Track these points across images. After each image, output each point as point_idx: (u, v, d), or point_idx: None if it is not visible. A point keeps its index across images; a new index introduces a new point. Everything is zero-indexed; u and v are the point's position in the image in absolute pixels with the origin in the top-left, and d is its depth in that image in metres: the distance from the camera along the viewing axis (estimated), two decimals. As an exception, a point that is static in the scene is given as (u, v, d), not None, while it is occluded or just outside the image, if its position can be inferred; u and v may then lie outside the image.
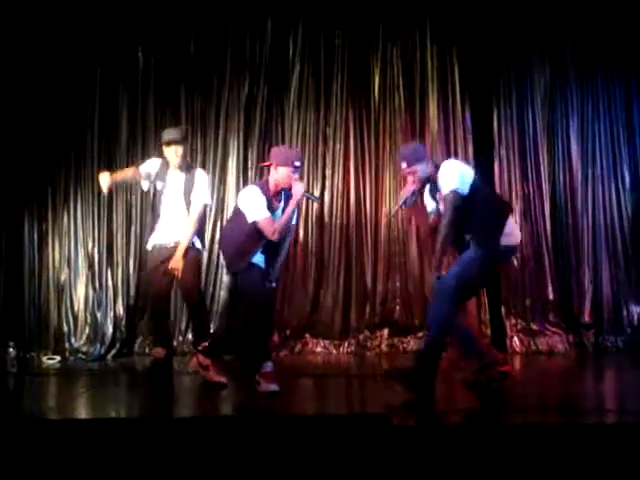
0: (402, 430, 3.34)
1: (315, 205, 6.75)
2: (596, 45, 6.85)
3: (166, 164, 5.31)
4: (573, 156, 6.82)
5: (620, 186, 6.76)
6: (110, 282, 6.71)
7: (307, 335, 6.71)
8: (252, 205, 4.58)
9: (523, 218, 6.71)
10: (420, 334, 6.59)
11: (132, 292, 6.70)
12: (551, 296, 6.61)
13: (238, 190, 6.70)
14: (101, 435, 3.36)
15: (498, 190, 6.74)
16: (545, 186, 6.77)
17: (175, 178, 5.27)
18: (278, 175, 4.63)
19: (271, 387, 4.43)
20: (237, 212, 4.70)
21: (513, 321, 6.60)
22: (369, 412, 4.02)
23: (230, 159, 6.82)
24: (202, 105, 6.87)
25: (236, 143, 6.80)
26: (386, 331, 6.69)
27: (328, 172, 6.87)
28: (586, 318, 6.62)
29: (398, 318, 6.73)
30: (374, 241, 6.80)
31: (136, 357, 6.56)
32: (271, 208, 4.61)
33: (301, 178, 6.59)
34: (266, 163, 4.86)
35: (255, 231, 4.55)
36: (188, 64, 6.87)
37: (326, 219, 6.84)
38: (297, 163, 4.66)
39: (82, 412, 4.47)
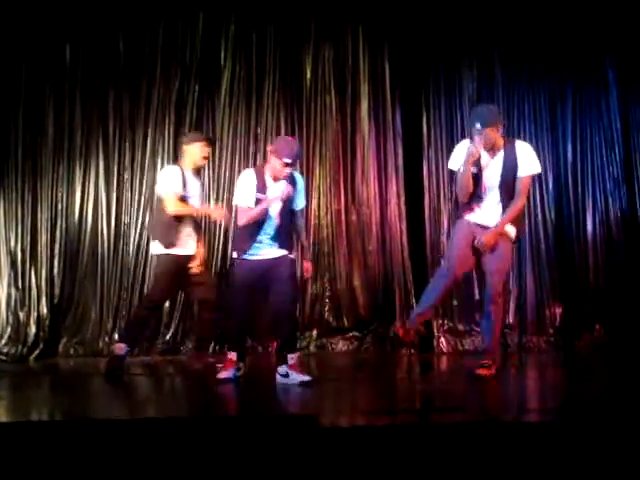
0: (330, 432, 3.34)
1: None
2: (522, 50, 7.03)
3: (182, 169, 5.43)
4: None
5: (544, 191, 6.94)
6: (34, 281, 6.53)
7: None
8: (238, 189, 4.77)
9: (450, 219, 6.80)
10: (349, 334, 6.65)
11: (57, 292, 6.55)
12: (477, 297, 6.70)
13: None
14: (21, 438, 3.26)
15: (426, 192, 6.86)
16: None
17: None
18: (271, 164, 4.70)
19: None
20: None
21: (440, 321, 6.70)
22: (297, 413, 4.01)
23: (159, 158, 6.72)
24: (131, 103, 6.75)
25: (166, 142, 6.71)
26: (315, 332, 6.71)
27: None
28: (510, 319, 6.76)
29: (327, 319, 6.75)
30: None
31: (60, 359, 6.41)
32: (263, 192, 4.70)
33: (232, 178, 6.68)
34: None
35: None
36: (117, 61, 6.73)
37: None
38: (286, 160, 4.60)
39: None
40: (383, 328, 6.73)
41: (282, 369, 4.75)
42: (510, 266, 5.51)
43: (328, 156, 6.89)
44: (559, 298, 6.85)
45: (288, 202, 4.76)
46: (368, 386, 4.52)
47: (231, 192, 6.54)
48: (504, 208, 4.81)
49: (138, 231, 6.63)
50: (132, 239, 6.64)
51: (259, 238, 4.71)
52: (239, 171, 6.67)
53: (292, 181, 4.78)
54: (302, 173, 6.76)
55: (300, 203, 4.93)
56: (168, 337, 6.56)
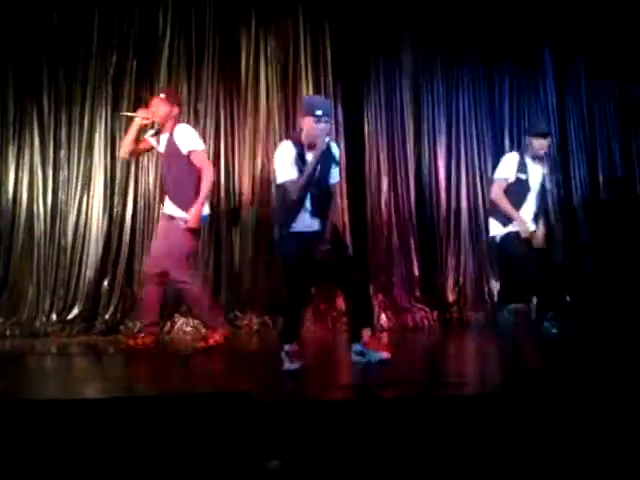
0: (268, 407, 3.34)
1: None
2: (462, 36, 7.15)
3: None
4: (438, 140, 7.13)
5: (483, 172, 7.08)
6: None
7: (176, 315, 6.57)
8: (279, 165, 4.25)
9: (389, 198, 6.87)
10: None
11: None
12: (416, 272, 6.80)
13: (105, 166, 6.55)
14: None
15: (367, 170, 6.89)
16: (411, 167, 7.02)
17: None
18: (304, 126, 4.25)
19: (293, 365, 4.18)
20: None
21: (380, 298, 6.74)
22: (235, 389, 3.99)
23: (97, 134, 6.58)
24: (67, 78, 6.58)
25: (104, 117, 6.58)
26: (256, 311, 6.67)
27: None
28: (449, 294, 6.88)
29: (267, 298, 6.67)
30: (243, 221, 6.76)
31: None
32: (304, 161, 4.22)
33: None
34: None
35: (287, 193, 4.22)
36: (51, 35, 6.55)
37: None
38: (318, 112, 4.17)
39: None
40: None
41: (357, 347, 4.34)
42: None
43: (265, 132, 6.82)
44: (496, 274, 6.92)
45: (325, 172, 4.35)
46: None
47: None
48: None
49: (75, 209, 6.50)
50: (70, 217, 6.51)
51: (303, 209, 4.28)
52: None
53: (328, 150, 4.31)
54: (238, 149, 6.75)
55: (335, 176, 4.48)
56: (107, 317, 6.46)
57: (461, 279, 6.96)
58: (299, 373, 4.14)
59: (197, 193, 5.08)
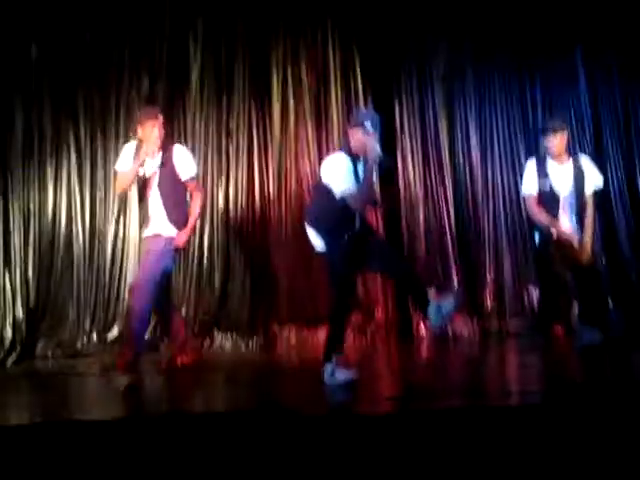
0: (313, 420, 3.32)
1: (220, 199, 6.70)
2: (493, 39, 7.08)
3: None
4: (472, 146, 7.05)
5: (518, 176, 6.94)
6: (8, 285, 6.43)
7: (215, 331, 6.58)
8: (335, 176, 4.26)
9: (425, 206, 6.84)
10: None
11: (32, 294, 6.46)
12: (455, 281, 6.72)
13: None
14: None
15: (401, 179, 6.87)
16: (447, 174, 6.94)
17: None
18: (353, 138, 4.34)
19: (346, 375, 4.20)
20: (321, 185, 4.34)
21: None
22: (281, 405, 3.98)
23: (131, 155, 6.64)
24: (101, 101, 6.68)
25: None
26: (295, 325, 6.66)
27: (232, 167, 6.81)
28: (489, 303, 6.78)
29: (306, 312, 6.67)
30: (279, 234, 6.75)
31: (38, 361, 6.29)
32: (357, 173, 4.29)
33: (205, 173, 6.64)
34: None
35: (344, 204, 4.23)
36: (85, 59, 6.65)
37: (231, 213, 6.77)
38: (366, 123, 4.27)
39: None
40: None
41: (434, 307, 4.22)
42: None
43: (300, 150, 6.85)
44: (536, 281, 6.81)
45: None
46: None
47: (204, 185, 6.58)
48: None
49: (113, 229, 6.57)
50: (108, 237, 6.58)
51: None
52: (212, 167, 6.71)
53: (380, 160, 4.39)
54: (272, 169, 6.77)
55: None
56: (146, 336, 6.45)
57: (501, 288, 6.84)
58: (352, 384, 4.14)
59: (188, 214, 5.17)
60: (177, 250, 5.18)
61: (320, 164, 6.68)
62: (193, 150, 6.65)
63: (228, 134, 6.81)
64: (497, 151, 7.05)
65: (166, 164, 5.10)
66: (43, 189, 6.60)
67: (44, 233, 6.56)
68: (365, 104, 6.89)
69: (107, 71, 6.69)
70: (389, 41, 6.98)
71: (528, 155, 6.94)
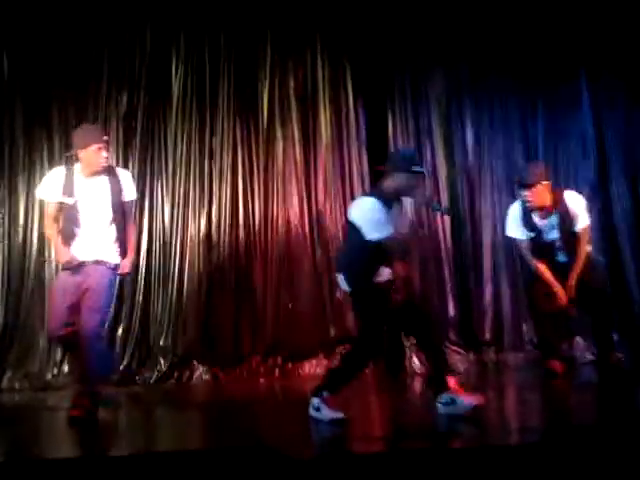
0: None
1: (203, 222, 6.38)
2: (491, 61, 6.86)
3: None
4: (471, 172, 6.81)
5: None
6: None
7: (195, 362, 6.25)
8: (372, 222, 4.16)
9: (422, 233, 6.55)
10: (315, 360, 6.30)
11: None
12: (451, 313, 6.51)
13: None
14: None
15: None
16: (443, 199, 6.67)
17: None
18: (396, 181, 4.24)
19: (335, 415, 4.09)
20: (352, 227, 4.26)
21: (413, 341, 6.35)
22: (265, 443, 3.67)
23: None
24: (76, 115, 6.34)
25: (114, 156, 6.29)
26: (280, 356, 6.33)
27: (215, 188, 6.51)
28: (486, 336, 6.56)
29: (292, 342, 6.36)
30: (264, 260, 6.48)
31: (5, 394, 5.91)
32: (389, 215, 4.21)
33: (186, 195, 6.34)
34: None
35: (375, 247, 4.14)
36: (60, 72, 6.33)
37: (214, 237, 6.46)
38: (415, 168, 4.24)
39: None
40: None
41: (445, 397, 4.13)
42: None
43: (287, 171, 6.57)
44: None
45: None
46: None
47: (186, 206, 6.39)
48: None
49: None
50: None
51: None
52: (194, 188, 6.43)
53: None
54: (257, 190, 6.46)
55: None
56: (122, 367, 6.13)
57: (498, 319, 6.60)
58: (342, 423, 4.04)
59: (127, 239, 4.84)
60: (123, 276, 4.93)
61: (307, 185, 6.51)
62: (174, 170, 6.39)
63: (211, 150, 6.50)
64: (496, 178, 6.81)
65: (113, 187, 4.73)
66: (14, 210, 6.27)
67: (13, 257, 6.24)
68: (357, 124, 6.65)
69: (84, 84, 6.38)
70: (382, 58, 6.75)
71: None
